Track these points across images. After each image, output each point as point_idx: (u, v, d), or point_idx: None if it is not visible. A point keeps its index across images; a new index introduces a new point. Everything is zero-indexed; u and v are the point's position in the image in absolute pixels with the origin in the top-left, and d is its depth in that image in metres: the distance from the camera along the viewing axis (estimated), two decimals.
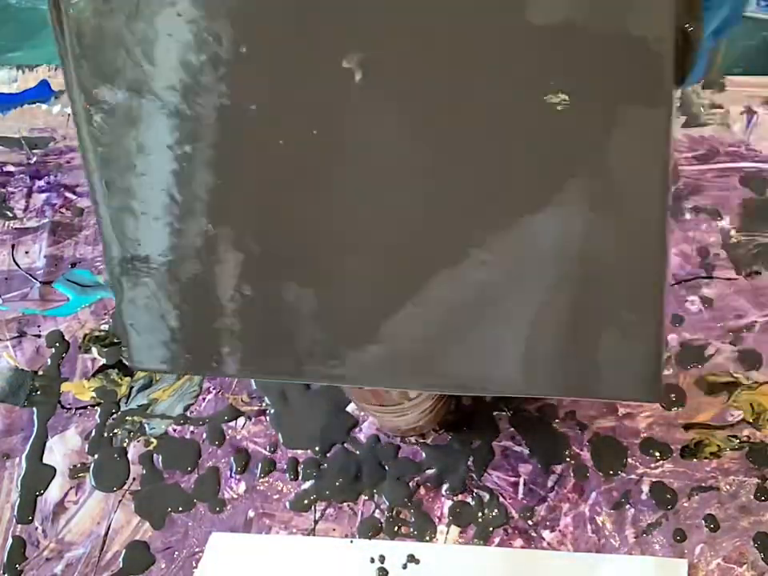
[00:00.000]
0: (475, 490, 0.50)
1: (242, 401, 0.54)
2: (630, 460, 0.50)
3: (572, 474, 0.50)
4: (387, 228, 0.34)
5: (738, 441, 0.50)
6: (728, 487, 0.49)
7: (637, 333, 0.33)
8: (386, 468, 0.51)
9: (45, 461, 0.53)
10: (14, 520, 0.52)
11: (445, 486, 0.50)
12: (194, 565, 0.50)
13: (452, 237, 0.34)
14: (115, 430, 0.54)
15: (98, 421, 0.54)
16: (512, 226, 0.33)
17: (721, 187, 0.59)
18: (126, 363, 0.55)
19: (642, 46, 0.30)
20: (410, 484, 0.50)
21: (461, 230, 0.33)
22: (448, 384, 0.37)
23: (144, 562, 0.50)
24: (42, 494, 0.53)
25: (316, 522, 0.50)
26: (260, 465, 0.52)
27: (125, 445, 0.53)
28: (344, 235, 0.34)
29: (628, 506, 0.49)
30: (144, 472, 0.52)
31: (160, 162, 0.34)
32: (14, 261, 0.60)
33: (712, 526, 0.48)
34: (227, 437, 0.53)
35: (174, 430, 0.54)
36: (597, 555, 0.47)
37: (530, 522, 0.49)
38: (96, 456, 0.53)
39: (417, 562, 0.48)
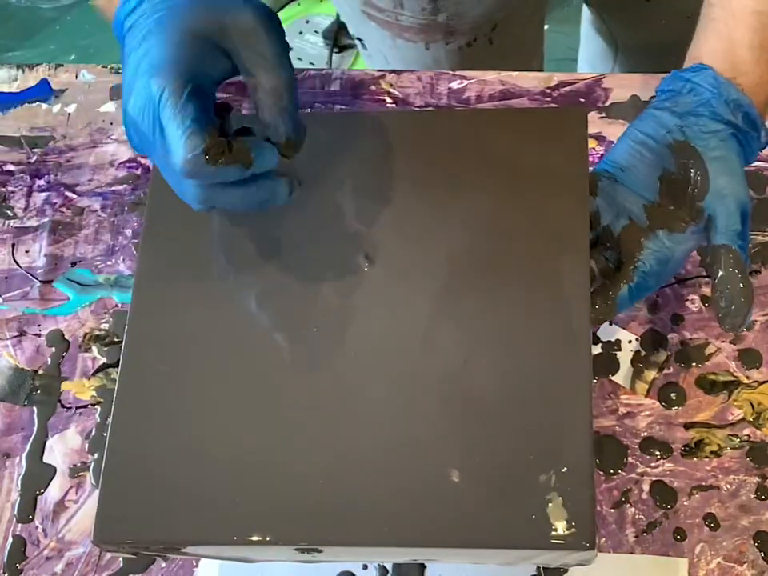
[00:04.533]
0: None
1: None
2: (630, 459, 0.50)
3: None
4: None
5: (738, 440, 0.50)
6: (728, 486, 0.49)
7: (569, 481, 0.38)
8: None
9: (45, 460, 0.53)
10: (15, 519, 0.52)
11: None
12: (195, 564, 0.50)
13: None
14: None
15: (98, 420, 0.54)
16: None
17: None
18: None
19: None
20: None
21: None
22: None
23: (144, 562, 0.50)
24: (43, 493, 0.53)
25: None
26: None
27: None
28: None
29: (628, 505, 0.49)
30: None
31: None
32: (15, 260, 0.60)
33: (712, 524, 0.48)
34: None
35: None
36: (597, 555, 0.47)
37: None
38: (96, 455, 0.53)
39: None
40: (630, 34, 0.82)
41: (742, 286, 0.42)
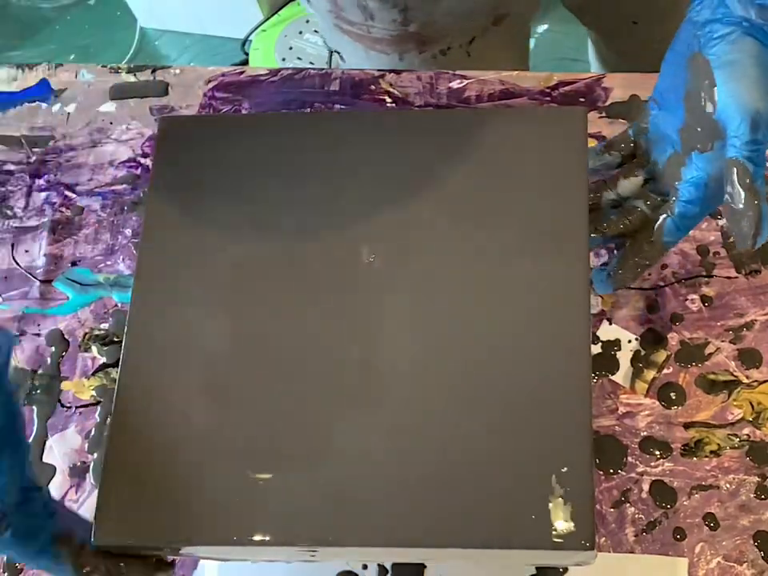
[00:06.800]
0: None
1: None
2: (629, 458, 0.50)
3: None
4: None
5: (737, 439, 0.50)
6: (728, 486, 0.49)
7: (571, 485, 0.38)
8: None
9: (45, 459, 0.53)
10: None
11: None
12: (195, 564, 0.50)
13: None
14: None
15: (98, 419, 0.54)
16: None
17: None
18: None
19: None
20: None
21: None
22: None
23: None
24: None
25: None
26: None
27: None
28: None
29: (628, 505, 0.49)
30: None
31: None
32: (14, 259, 0.60)
33: (712, 524, 0.48)
34: None
35: None
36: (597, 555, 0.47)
37: None
38: (96, 455, 0.53)
39: None
40: (620, 60, 0.81)
41: (744, 204, 0.38)
